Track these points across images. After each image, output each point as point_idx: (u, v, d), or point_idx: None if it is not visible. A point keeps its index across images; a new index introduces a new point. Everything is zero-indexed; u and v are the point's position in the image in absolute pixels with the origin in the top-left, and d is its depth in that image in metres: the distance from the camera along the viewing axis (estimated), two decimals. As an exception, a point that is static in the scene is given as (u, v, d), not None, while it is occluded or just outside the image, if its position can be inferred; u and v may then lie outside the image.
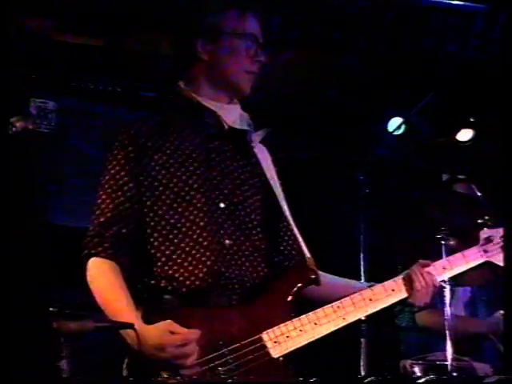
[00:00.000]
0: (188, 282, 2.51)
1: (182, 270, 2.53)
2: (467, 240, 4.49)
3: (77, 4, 4.64)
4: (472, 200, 4.62)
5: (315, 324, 2.61)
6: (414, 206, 4.45)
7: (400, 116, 5.48)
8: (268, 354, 2.49)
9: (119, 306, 2.52)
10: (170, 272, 2.51)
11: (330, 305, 2.63)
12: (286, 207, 2.73)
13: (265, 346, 2.50)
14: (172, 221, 2.53)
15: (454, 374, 4.28)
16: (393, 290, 2.75)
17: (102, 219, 2.55)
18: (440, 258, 3.28)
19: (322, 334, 2.58)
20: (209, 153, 2.63)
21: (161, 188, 2.55)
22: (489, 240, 3.02)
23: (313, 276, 2.65)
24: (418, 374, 4.42)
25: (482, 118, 6.01)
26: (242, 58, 2.65)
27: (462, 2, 4.58)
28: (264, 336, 2.49)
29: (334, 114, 5.46)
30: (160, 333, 2.41)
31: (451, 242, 3.99)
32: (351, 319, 2.64)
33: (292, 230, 2.73)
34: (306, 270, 2.67)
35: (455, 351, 4.20)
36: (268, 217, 2.71)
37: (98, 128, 4.75)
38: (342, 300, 2.66)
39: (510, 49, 3.94)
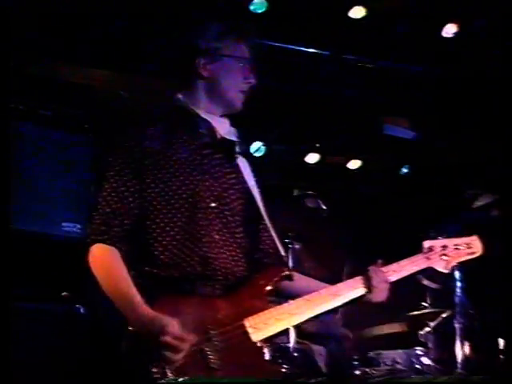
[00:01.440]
0: (180, 268, 2.67)
1: (176, 258, 2.68)
2: (311, 244, 5.24)
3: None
4: (318, 211, 5.20)
5: (289, 314, 2.76)
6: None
7: (260, 140, 5.75)
8: (249, 338, 2.63)
9: (126, 290, 2.67)
10: (166, 260, 2.68)
11: (301, 298, 2.80)
12: (264, 212, 2.91)
13: (246, 332, 2.62)
14: (170, 215, 2.70)
15: (295, 354, 4.78)
16: (354, 287, 2.90)
17: (107, 209, 2.70)
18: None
19: (295, 323, 2.78)
20: (202, 159, 2.80)
21: (161, 186, 2.72)
22: (430, 249, 3.18)
23: (287, 272, 2.84)
24: (266, 354, 5.04)
25: (327, 144, 6.37)
26: (237, 79, 2.87)
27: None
28: (246, 323, 2.63)
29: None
30: (164, 321, 2.52)
31: (296, 246, 4.51)
32: (318, 311, 2.81)
33: (270, 232, 2.92)
34: (282, 267, 2.88)
35: (297, 335, 4.75)
36: (249, 218, 2.87)
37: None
38: (312, 294, 2.83)
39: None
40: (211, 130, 2.85)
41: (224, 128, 2.89)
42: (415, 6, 4.93)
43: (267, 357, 2.71)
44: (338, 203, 5.78)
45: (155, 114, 3.05)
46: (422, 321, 5.34)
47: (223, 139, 2.84)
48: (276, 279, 2.79)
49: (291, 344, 4.76)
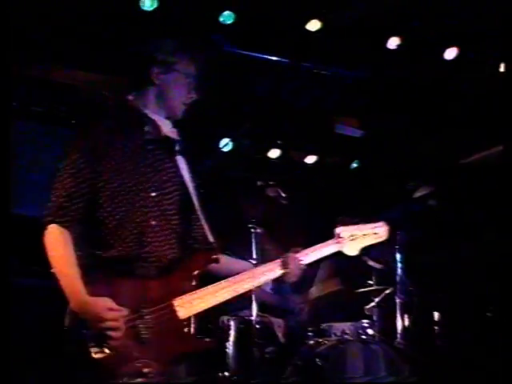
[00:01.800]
0: (120, 249, 2.83)
1: (118, 240, 2.86)
2: (272, 229, 5.54)
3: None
4: (278, 200, 5.31)
5: (214, 294, 2.97)
6: (236, 205, 5.32)
7: (228, 137, 6.07)
8: (176, 315, 2.85)
9: (71, 273, 2.80)
10: (111, 242, 2.86)
11: (224, 280, 3.02)
12: (197, 203, 3.11)
13: (174, 310, 2.84)
14: (116, 201, 2.86)
15: (258, 326, 4.99)
16: (272, 269, 3.15)
17: (63, 193, 2.83)
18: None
19: (219, 302, 2.97)
20: (146, 153, 2.99)
21: (110, 174, 2.87)
22: (341, 235, 3.42)
23: (214, 256, 3.04)
24: (232, 326, 5.14)
25: (287, 141, 6.74)
26: (182, 92, 3.08)
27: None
28: (174, 302, 2.85)
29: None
30: (99, 309, 2.71)
31: (258, 230, 4.67)
32: (241, 291, 3.05)
33: (201, 221, 3.12)
34: (210, 252, 3.07)
35: (259, 310, 4.96)
36: (184, 209, 3.07)
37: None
38: (235, 276, 3.05)
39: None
40: (156, 128, 3.05)
41: (167, 128, 3.09)
42: (363, 21, 5.21)
43: (192, 331, 2.97)
44: (296, 193, 5.88)
45: (109, 110, 3.29)
46: (367, 297, 5.58)
47: (166, 137, 3.04)
48: (204, 263, 3.01)
49: (254, 317, 4.94)
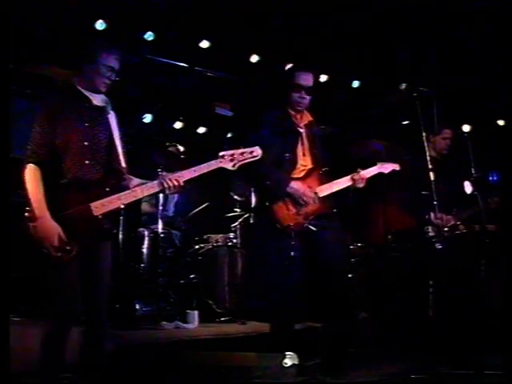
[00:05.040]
0: (70, 176, 3.41)
1: (67, 173, 3.42)
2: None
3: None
4: (178, 154, 6.37)
5: (118, 200, 3.50)
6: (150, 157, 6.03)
7: (150, 113, 7.13)
8: (92, 213, 3.43)
9: (40, 199, 3.33)
10: (64, 174, 3.41)
11: (128, 190, 3.55)
12: (119, 146, 3.61)
13: (90, 208, 3.42)
14: (66, 149, 3.44)
15: (162, 235, 5.83)
16: (154, 185, 3.59)
17: (36, 142, 3.39)
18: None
19: (121, 205, 3.48)
20: (83, 116, 3.54)
21: (61, 131, 3.44)
22: (223, 156, 3.71)
23: (124, 176, 3.61)
24: (146, 234, 6.01)
25: (187, 118, 7.91)
26: (103, 76, 3.60)
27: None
28: (91, 204, 3.42)
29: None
30: (53, 231, 3.27)
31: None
32: (136, 198, 3.57)
33: (118, 158, 3.60)
34: (123, 174, 3.62)
35: (163, 224, 6.00)
36: (110, 150, 3.60)
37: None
38: (135, 188, 3.58)
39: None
40: (88, 100, 3.60)
41: (96, 99, 3.61)
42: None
43: (105, 225, 3.49)
44: (190, 150, 6.77)
45: (59, 89, 3.72)
46: (236, 218, 6.81)
47: (96, 106, 3.59)
48: (116, 181, 3.56)
49: (159, 229, 6.05)
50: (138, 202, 5.07)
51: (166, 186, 3.54)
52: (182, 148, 6.50)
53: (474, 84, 6.91)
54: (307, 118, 4.80)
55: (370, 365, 4.62)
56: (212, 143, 7.66)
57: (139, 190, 3.55)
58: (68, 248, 3.31)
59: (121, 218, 5.84)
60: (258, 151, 3.75)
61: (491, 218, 5.02)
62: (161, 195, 5.99)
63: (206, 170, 3.62)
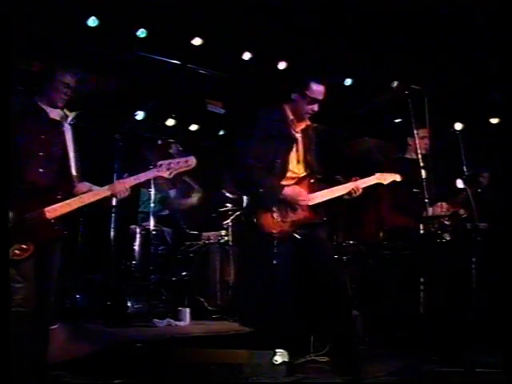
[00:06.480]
0: (28, 182, 3.77)
1: (27, 179, 3.79)
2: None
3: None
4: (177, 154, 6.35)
5: (69, 205, 3.85)
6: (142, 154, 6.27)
7: (143, 110, 7.19)
8: (46, 217, 3.79)
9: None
10: (23, 179, 3.77)
11: (78, 196, 3.89)
12: (72, 157, 3.97)
13: (44, 212, 3.78)
14: (25, 156, 3.80)
15: (154, 233, 6.00)
16: (105, 191, 3.92)
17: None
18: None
19: (72, 209, 3.82)
20: (42, 128, 3.91)
21: (21, 141, 3.81)
22: (160, 165, 3.97)
23: (74, 185, 3.94)
24: (138, 232, 6.19)
25: (179, 115, 7.99)
26: (61, 93, 3.95)
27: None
28: (45, 210, 3.78)
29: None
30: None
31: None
32: (90, 201, 3.90)
33: (70, 167, 3.95)
34: (72, 183, 3.95)
35: (155, 222, 6.21)
36: (63, 160, 3.95)
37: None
38: (87, 193, 3.92)
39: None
40: (46, 114, 3.96)
41: (53, 114, 3.97)
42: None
43: (56, 227, 3.83)
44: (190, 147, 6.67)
45: (21, 105, 3.94)
46: (227, 216, 6.72)
47: (52, 119, 3.97)
48: (67, 188, 3.92)
49: (151, 227, 6.24)
50: (134, 199, 5.62)
51: (115, 191, 3.90)
52: (181, 148, 6.53)
53: (467, 82, 6.95)
54: (305, 122, 4.67)
55: (361, 363, 4.47)
56: (205, 140, 7.78)
57: (86, 196, 3.89)
58: (25, 247, 3.67)
59: (112, 215, 5.98)
60: (192, 160, 3.98)
61: (483, 216, 5.02)
62: (152, 192, 6.14)
63: (144, 179, 3.97)
